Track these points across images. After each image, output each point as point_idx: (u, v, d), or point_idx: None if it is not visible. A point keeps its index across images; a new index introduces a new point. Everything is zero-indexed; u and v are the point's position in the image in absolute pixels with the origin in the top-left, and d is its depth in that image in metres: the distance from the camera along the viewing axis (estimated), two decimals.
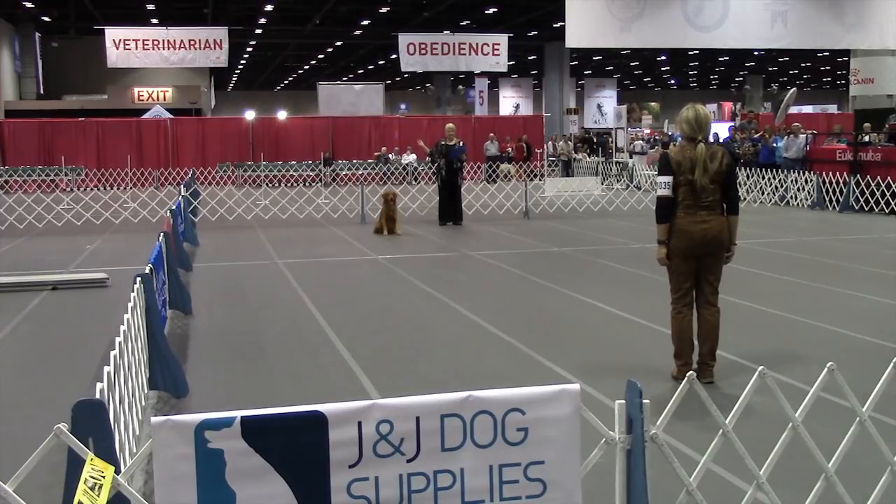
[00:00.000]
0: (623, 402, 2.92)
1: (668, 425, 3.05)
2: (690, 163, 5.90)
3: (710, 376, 6.12)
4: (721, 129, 36.35)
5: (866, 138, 21.16)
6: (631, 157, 30.35)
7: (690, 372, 3.13)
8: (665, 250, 6.10)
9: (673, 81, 74.28)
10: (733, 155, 17.42)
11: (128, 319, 4.76)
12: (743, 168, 22.76)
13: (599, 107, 49.93)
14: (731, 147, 24.73)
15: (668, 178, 5.96)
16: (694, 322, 6.23)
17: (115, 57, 30.47)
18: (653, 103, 66.53)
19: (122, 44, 30.38)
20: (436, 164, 17.03)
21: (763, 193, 21.20)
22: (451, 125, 17.94)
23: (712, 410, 3.13)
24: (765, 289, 9.94)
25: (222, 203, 19.13)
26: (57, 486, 3.15)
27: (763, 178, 21.29)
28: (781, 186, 20.81)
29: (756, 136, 23.87)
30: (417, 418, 2.69)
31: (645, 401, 2.88)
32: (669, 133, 45.24)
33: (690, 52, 46.12)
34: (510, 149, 32.25)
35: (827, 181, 19.42)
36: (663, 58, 53.82)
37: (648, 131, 48.53)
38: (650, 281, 10.48)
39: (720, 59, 54.79)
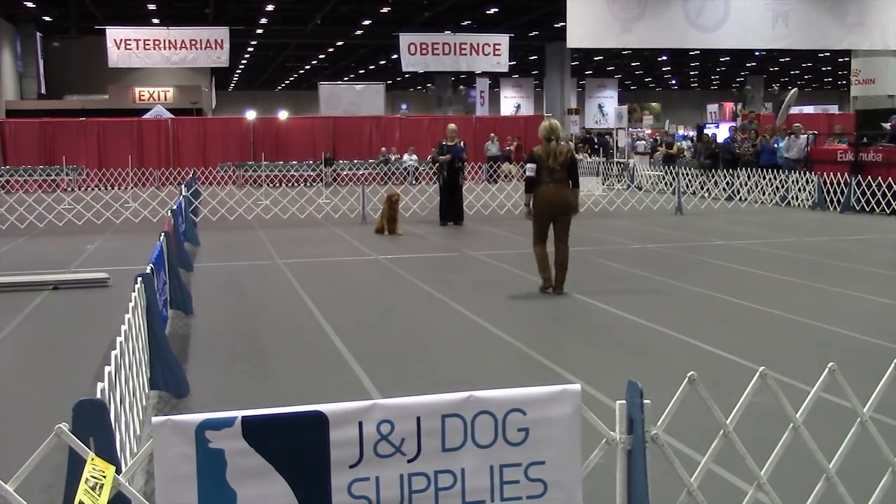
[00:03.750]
0: (624, 402, 2.92)
1: (668, 425, 3.05)
2: (546, 155, 9.40)
3: (562, 290, 9.50)
4: (722, 130, 36.41)
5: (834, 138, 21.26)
6: (631, 158, 30.32)
7: (692, 372, 3.12)
8: (528, 209, 9.57)
9: (674, 81, 74.23)
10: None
11: (129, 319, 4.76)
12: (743, 168, 22.77)
13: (600, 107, 49.84)
14: (731, 147, 24.76)
15: (534, 166, 9.46)
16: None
17: (116, 57, 30.47)
18: (654, 103, 66.50)
19: (123, 44, 30.37)
20: (437, 165, 17.01)
21: (764, 194, 21.18)
22: (452, 126, 17.93)
23: (713, 410, 3.12)
24: (765, 289, 9.94)
25: (223, 203, 19.13)
26: (58, 486, 3.15)
27: (764, 178, 21.27)
28: (782, 187, 20.80)
29: (755, 144, 23.93)
30: (418, 418, 2.69)
31: (646, 401, 2.88)
32: (673, 133, 45.23)
33: (691, 53, 46.07)
34: (510, 147, 32.24)
35: (828, 181, 19.41)
36: (664, 58, 53.80)
37: (649, 131, 48.50)
38: (650, 281, 10.48)
39: (721, 59, 54.75)
